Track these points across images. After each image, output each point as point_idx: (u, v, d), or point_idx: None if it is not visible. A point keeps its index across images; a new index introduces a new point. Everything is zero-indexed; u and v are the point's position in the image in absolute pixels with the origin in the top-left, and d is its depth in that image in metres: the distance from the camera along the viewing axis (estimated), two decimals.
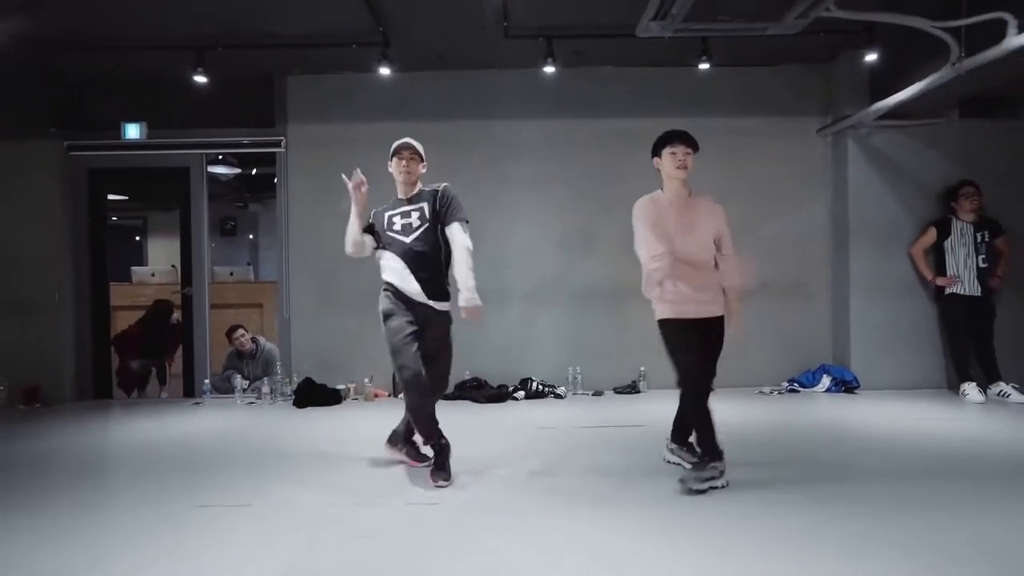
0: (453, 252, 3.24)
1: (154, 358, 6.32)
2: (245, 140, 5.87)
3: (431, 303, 3.23)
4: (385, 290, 3.26)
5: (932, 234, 5.39)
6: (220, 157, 7.40)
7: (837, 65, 5.68)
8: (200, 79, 5.01)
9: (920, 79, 4.49)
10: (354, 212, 3.26)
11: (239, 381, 5.87)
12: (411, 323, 3.17)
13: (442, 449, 3.19)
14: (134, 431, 4.65)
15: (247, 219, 10.99)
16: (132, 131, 5.73)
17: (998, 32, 3.74)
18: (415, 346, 3.14)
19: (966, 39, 4.06)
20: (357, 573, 2.20)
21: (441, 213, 3.23)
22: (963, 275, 5.27)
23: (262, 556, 2.34)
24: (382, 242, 3.31)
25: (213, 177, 8.83)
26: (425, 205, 3.26)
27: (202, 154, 5.93)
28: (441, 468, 3.13)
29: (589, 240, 5.85)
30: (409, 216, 3.25)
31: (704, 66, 5.14)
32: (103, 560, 2.33)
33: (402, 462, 3.48)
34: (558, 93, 5.77)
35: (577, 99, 5.83)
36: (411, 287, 3.20)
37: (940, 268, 5.39)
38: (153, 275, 8.68)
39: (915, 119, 5.40)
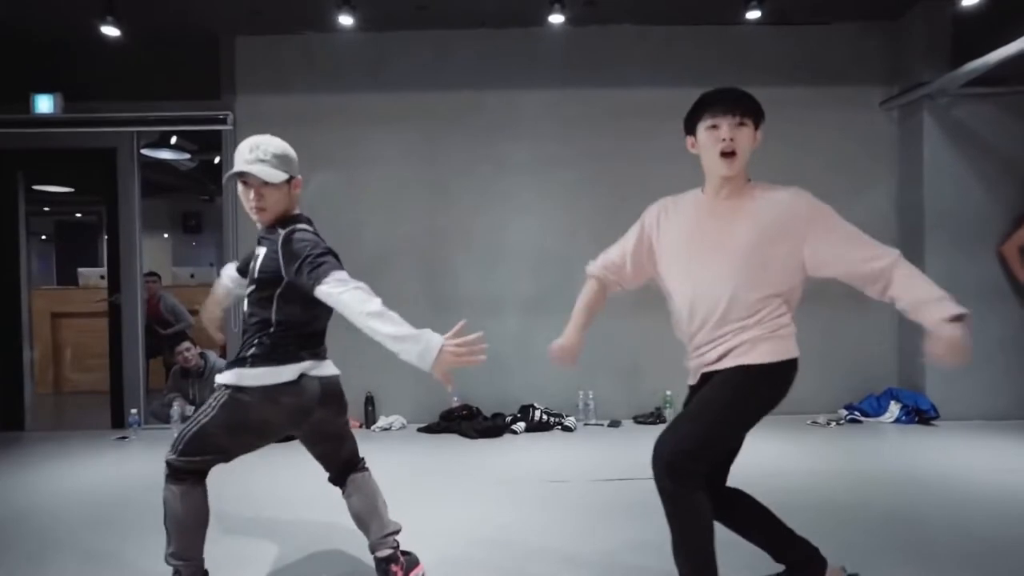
0: (354, 321, 1.82)
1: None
2: (182, 115, 4.82)
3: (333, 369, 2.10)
4: None
5: None
6: (173, 140, 6.39)
7: (908, 21, 4.69)
8: (111, 32, 3.96)
9: (1017, 37, 3.53)
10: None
11: (178, 408, 4.84)
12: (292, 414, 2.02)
13: None
14: (40, 479, 3.59)
15: (213, 214, 9.95)
16: (44, 104, 4.70)
17: None
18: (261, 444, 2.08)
19: None
20: None
21: (291, 273, 1.91)
22: None
23: None
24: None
25: (170, 166, 7.85)
26: (265, 251, 2.00)
27: (133, 132, 4.89)
28: None
29: (602, 235, 4.81)
30: (256, 259, 2.03)
31: (754, 15, 4.13)
32: None
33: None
34: (566, 56, 4.85)
35: (589, 63, 4.87)
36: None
37: None
38: (103, 277, 7.68)
39: (1010, 86, 4.45)
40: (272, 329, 1.95)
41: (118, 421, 4.96)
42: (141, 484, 3.42)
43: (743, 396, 1.80)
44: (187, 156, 6.62)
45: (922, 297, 1.70)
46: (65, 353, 7.12)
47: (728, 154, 1.81)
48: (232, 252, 4.96)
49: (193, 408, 4.93)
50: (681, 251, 1.90)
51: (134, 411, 4.74)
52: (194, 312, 6.30)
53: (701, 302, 1.84)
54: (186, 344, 5.17)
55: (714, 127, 1.82)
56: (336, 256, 1.94)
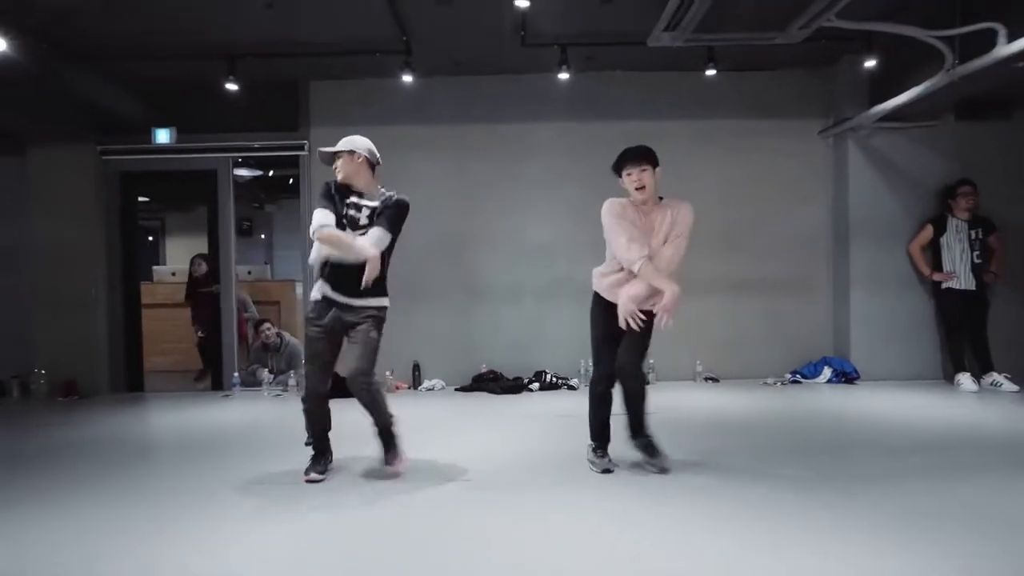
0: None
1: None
2: (270, 143, 6.11)
3: (363, 301, 3.15)
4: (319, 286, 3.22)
5: (929, 231, 5.65)
6: (240, 160, 7.65)
7: (838, 70, 5.91)
8: (232, 87, 5.26)
9: (917, 83, 4.73)
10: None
11: (265, 374, 6.14)
12: (328, 331, 3.15)
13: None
14: (169, 421, 4.92)
15: (262, 219, 11.24)
16: (162, 136, 5.98)
17: (989, 40, 3.98)
18: (329, 356, 3.18)
19: (960, 47, 4.31)
20: (384, 541, 2.47)
21: (376, 213, 3.17)
22: (959, 271, 5.52)
23: (296, 527, 2.61)
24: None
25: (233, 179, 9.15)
26: (376, 206, 3.18)
27: (229, 157, 6.18)
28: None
29: (599, 238, 6.07)
30: (360, 211, 3.18)
31: (711, 72, 5.39)
32: (149, 530, 2.60)
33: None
34: (570, 97, 6.00)
35: (589, 102, 6.07)
36: (336, 285, 3.15)
37: (937, 264, 5.65)
38: (173, 274, 8.95)
39: (913, 121, 5.65)
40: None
41: (217, 386, 6.26)
42: (242, 425, 4.75)
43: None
44: (259, 173, 7.89)
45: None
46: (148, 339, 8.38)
47: (639, 188, 3.08)
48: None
49: (272, 375, 6.23)
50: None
51: (236, 374, 6.04)
52: (257, 304, 7.59)
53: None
54: (267, 324, 6.46)
55: (629, 173, 3.10)
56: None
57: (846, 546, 2.27)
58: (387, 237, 3.14)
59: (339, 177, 3.24)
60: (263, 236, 11.76)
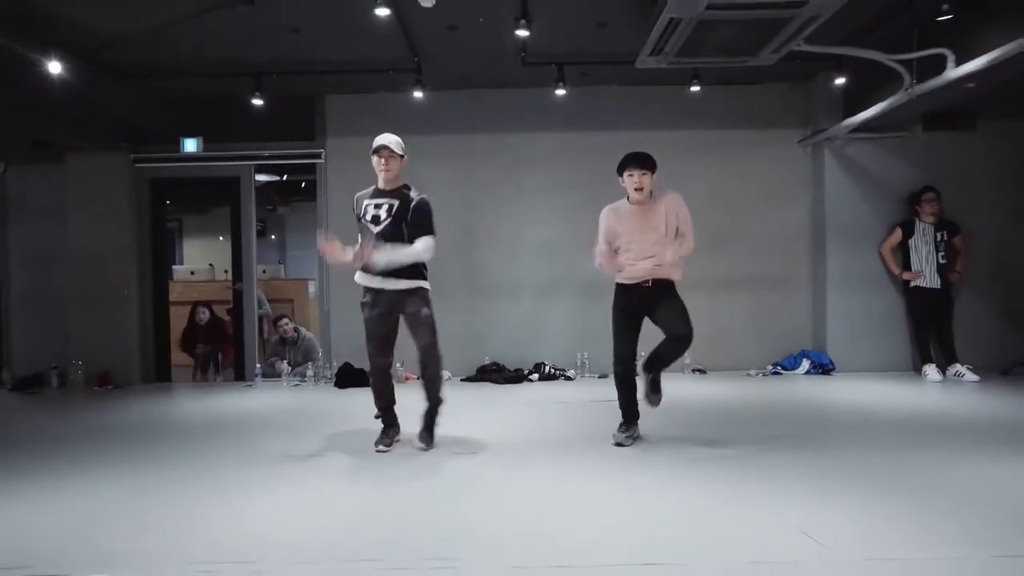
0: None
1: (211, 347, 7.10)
2: (290, 152, 6.60)
3: (395, 284, 3.54)
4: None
5: (898, 234, 6.11)
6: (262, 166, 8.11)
7: (815, 84, 6.37)
8: (258, 102, 5.73)
9: (884, 99, 5.18)
10: (348, 254, 3.61)
11: (283, 366, 6.62)
12: (378, 313, 3.59)
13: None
14: (198, 407, 5.40)
15: (275, 221, 11.71)
16: (190, 145, 6.45)
17: (942, 63, 4.45)
18: (382, 333, 3.63)
19: (917, 68, 4.77)
20: (395, 509, 2.93)
21: (411, 221, 3.58)
22: (925, 270, 5.99)
23: (320, 494, 3.08)
24: (359, 228, 3.67)
25: None
26: (397, 203, 3.57)
27: (251, 165, 6.66)
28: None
29: (594, 238, 6.55)
30: (380, 208, 3.57)
31: (695, 88, 5.87)
32: (191, 492, 3.08)
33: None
34: (568, 109, 6.44)
35: (585, 115, 6.53)
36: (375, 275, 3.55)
37: (906, 264, 6.12)
38: (192, 273, 9.44)
39: (884, 132, 6.11)
40: None
41: (240, 375, 6.73)
42: (266, 409, 5.22)
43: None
44: (275, 178, 8.36)
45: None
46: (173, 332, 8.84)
47: (639, 189, 3.56)
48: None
49: (290, 367, 6.71)
50: (631, 231, 3.62)
51: (258, 365, 6.52)
52: (271, 301, 8.05)
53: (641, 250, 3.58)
54: (285, 319, 6.95)
55: (631, 175, 3.58)
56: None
57: (826, 508, 2.74)
58: (432, 239, 3.62)
59: (387, 177, 3.59)
60: (273, 237, 12.24)
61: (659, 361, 3.66)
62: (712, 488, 2.93)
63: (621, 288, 3.72)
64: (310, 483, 3.15)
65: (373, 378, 3.74)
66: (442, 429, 4.12)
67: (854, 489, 2.87)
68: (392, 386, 3.77)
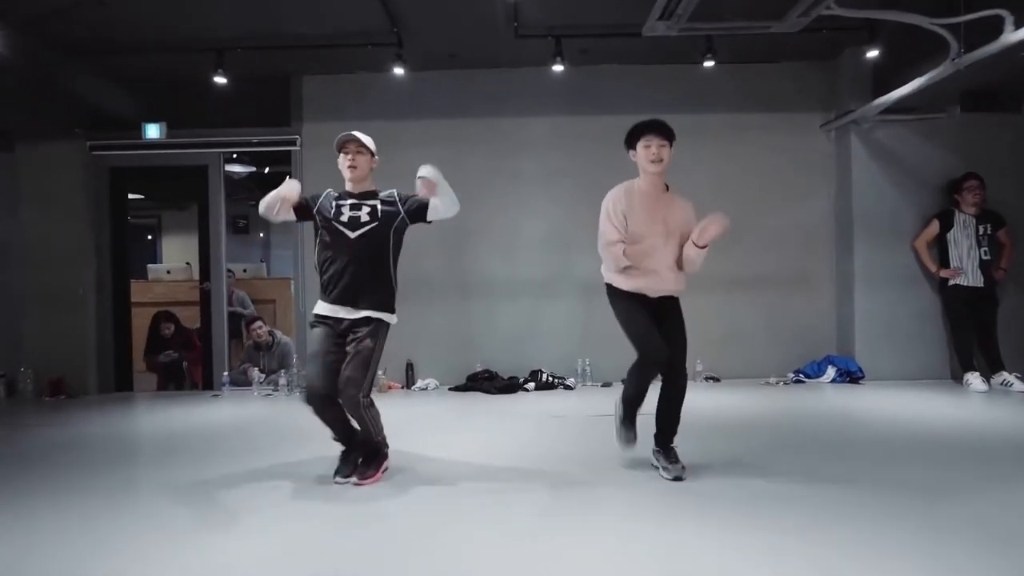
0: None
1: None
2: (261, 138, 6.02)
3: (358, 313, 3.04)
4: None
5: (935, 227, 5.50)
6: (235, 156, 7.58)
7: (840, 61, 5.78)
8: (220, 80, 5.16)
9: (921, 74, 4.59)
10: (284, 188, 3.13)
11: (256, 374, 6.03)
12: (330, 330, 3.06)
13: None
14: (156, 421, 4.82)
15: (259, 217, 11.14)
16: (152, 131, 5.90)
17: (995, 28, 3.85)
18: (326, 360, 3.01)
19: (965, 35, 4.17)
20: (363, 549, 2.35)
21: (410, 211, 3.16)
22: (966, 267, 5.38)
23: (279, 526, 2.49)
24: (321, 228, 3.13)
25: (228, 176, 9.06)
26: (379, 203, 3.13)
27: (219, 152, 6.09)
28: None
29: (595, 232, 5.97)
30: (359, 209, 3.09)
31: (709, 63, 5.26)
32: (133, 530, 2.49)
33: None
34: (565, 91, 5.89)
35: (584, 96, 5.95)
36: (335, 297, 3.05)
37: (943, 260, 5.51)
38: (168, 272, 8.86)
39: (917, 113, 5.52)
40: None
41: (207, 384, 6.16)
42: (233, 423, 4.65)
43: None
44: (252, 169, 7.81)
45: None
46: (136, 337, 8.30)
47: (656, 160, 2.96)
48: (300, 247, 6.08)
49: (263, 375, 6.13)
50: (641, 220, 3.02)
51: (225, 374, 5.94)
52: (256, 302, 7.50)
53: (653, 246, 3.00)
54: (259, 323, 6.37)
55: (647, 146, 2.97)
56: None
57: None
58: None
59: (354, 175, 3.13)
60: (262, 235, 11.68)
61: (671, 427, 3.12)
62: (743, 539, 2.32)
63: (617, 292, 3.13)
64: (254, 528, 2.54)
65: (311, 405, 3.04)
66: (417, 448, 3.59)
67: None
68: (343, 418, 3.08)
